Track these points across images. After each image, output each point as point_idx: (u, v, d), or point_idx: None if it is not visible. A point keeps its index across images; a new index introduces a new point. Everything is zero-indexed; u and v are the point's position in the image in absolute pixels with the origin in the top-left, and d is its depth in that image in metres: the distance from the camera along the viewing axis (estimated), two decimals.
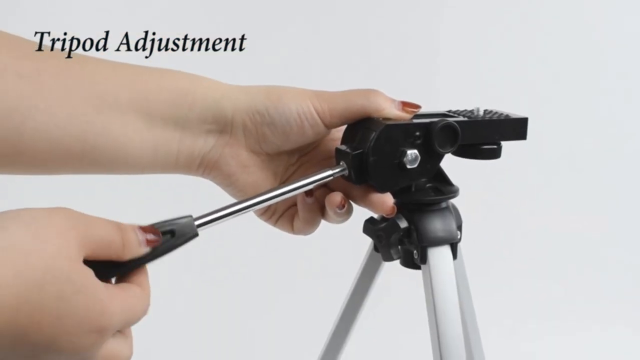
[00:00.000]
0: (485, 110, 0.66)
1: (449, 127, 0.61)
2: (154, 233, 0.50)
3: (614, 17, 1.70)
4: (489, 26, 1.69)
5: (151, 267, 0.55)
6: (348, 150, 0.60)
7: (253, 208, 0.56)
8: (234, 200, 0.57)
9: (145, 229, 0.50)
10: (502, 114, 0.66)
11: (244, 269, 1.60)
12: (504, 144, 0.66)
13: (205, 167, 0.59)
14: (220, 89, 0.57)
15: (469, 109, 0.68)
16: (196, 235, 0.53)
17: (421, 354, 0.87)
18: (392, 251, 0.66)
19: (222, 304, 1.59)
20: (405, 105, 0.60)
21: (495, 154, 0.64)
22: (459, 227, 0.68)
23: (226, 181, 0.60)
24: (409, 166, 0.60)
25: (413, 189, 0.65)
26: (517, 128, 0.64)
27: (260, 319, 1.54)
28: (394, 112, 0.60)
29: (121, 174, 0.57)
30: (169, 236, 0.52)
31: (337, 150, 0.61)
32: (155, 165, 0.57)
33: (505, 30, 1.69)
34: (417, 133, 0.60)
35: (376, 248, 0.73)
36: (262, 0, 1.68)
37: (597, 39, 1.70)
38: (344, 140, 0.63)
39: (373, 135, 0.59)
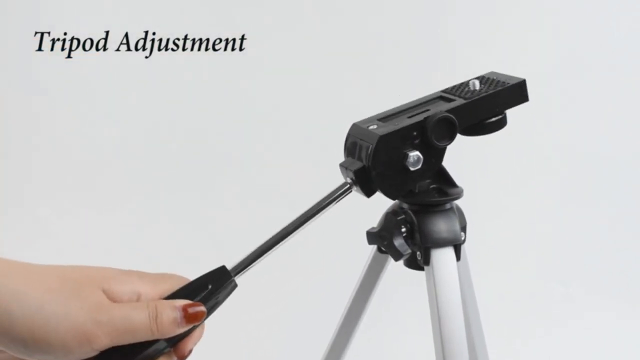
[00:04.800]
0: (480, 80, 0.63)
1: (444, 120, 0.58)
2: (196, 308, 0.50)
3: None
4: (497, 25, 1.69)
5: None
6: (349, 167, 0.59)
7: (281, 243, 0.56)
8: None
9: (186, 306, 0.49)
10: (498, 81, 0.63)
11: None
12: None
13: None
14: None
15: (464, 82, 0.64)
16: (234, 285, 0.54)
17: (424, 355, 0.87)
18: (397, 244, 0.63)
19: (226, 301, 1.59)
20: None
21: (500, 124, 0.62)
22: (463, 229, 0.66)
23: None
24: (412, 168, 0.59)
25: (417, 190, 0.63)
26: (516, 93, 0.62)
27: (264, 318, 1.53)
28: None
29: None
30: (208, 293, 0.52)
31: (341, 166, 0.61)
32: None
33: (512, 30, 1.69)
34: (414, 133, 0.58)
35: (380, 250, 0.72)
36: (262, 0, 1.68)
37: (601, 42, 1.69)
38: (346, 152, 0.62)
39: (370, 148, 0.57)
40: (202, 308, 0.50)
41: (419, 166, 0.58)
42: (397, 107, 0.63)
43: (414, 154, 0.58)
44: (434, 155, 0.59)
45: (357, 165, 0.58)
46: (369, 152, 0.57)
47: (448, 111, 0.59)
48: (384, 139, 0.57)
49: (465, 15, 1.66)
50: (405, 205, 0.66)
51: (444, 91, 0.64)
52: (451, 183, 0.65)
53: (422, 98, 0.64)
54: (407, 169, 0.58)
